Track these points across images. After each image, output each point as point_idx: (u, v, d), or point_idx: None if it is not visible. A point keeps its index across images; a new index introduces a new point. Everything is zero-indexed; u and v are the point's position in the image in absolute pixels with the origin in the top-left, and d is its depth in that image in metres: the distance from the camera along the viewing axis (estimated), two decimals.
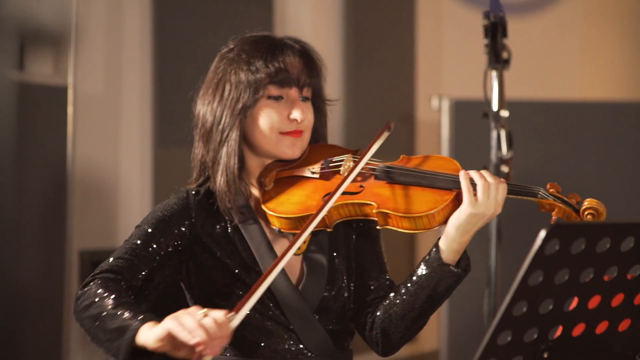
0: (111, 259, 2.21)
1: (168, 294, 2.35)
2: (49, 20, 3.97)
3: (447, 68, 5.45)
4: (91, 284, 2.15)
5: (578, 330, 1.83)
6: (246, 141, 2.31)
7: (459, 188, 2.18)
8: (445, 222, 2.21)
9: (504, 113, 3.16)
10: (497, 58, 3.13)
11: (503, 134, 3.15)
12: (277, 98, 2.28)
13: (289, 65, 2.27)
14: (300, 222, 2.25)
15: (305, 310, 2.26)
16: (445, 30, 5.45)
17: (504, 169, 3.10)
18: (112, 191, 4.25)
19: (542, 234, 1.65)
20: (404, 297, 2.25)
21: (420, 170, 2.26)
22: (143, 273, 2.21)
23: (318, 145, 2.40)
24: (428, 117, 5.12)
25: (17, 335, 3.70)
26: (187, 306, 2.30)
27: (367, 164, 2.29)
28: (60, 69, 3.91)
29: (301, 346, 2.26)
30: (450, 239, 2.19)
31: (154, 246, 2.24)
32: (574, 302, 1.79)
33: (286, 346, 2.25)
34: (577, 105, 4.50)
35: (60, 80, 3.85)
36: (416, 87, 5.28)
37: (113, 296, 2.11)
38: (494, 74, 3.17)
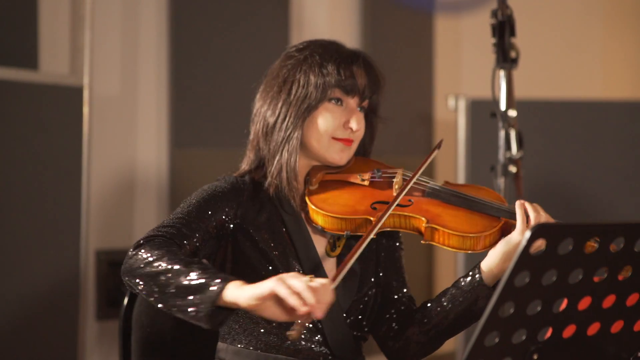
0: (159, 227, 2.20)
1: None
2: (64, 20, 4.00)
3: (466, 68, 5.42)
4: (144, 246, 2.13)
5: (568, 331, 1.81)
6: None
7: (508, 218, 2.27)
8: (488, 247, 2.29)
9: (512, 113, 3.15)
10: (505, 57, 3.11)
11: (513, 133, 3.14)
12: (338, 101, 2.33)
13: (357, 75, 2.33)
14: (346, 224, 2.29)
15: (337, 311, 2.28)
16: (463, 29, 5.42)
17: (512, 169, 3.08)
18: (128, 191, 4.26)
19: (527, 234, 1.63)
20: (439, 312, 2.32)
21: (470, 195, 2.34)
22: (194, 240, 2.22)
23: (362, 158, 2.47)
24: (446, 116, 5.10)
25: (33, 334, 3.72)
26: None
27: (418, 182, 2.36)
28: (75, 69, 3.93)
29: (324, 348, 2.28)
30: (493, 264, 2.25)
31: (203, 219, 2.25)
32: (564, 304, 1.77)
33: (310, 345, 2.27)
34: (598, 105, 4.46)
35: (75, 80, 3.87)
36: (434, 87, 5.25)
37: (176, 255, 2.09)
38: (502, 73, 3.15)
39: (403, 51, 5.14)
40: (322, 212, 2.29)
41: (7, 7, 3.84)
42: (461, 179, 4.24)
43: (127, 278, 2.12)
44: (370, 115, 2.43)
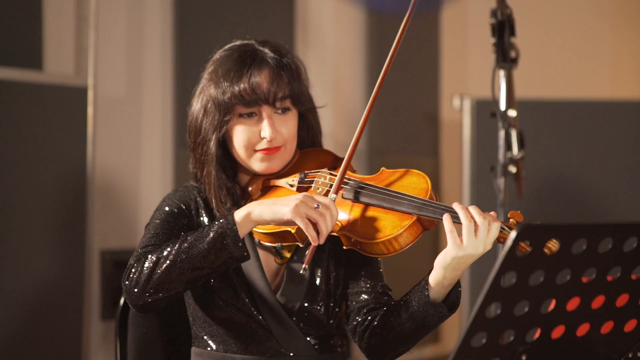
0: (136, 253, 2.20)
1: None
2: (68, 21, 4.01)
3: (472, 68, 5.41)
4: (135, 265, 2.15)
5: (557, 332, 1.80)
6: (232, 154, 2.32)
7: (420, 213, 2.13)
8: (407, 246, 2.16)
9: (512, 112, 3.14)
10: (505, 57, 3.10)
11: (514, 133, 3.13)
12: (250, 115, 2.26)
13: (255, 84, 2.23)
14: (273, 237, 2.23)
15: (282, 315, 2.27)
16: (469, 29, 5.41)
17: (512, 169, 3.07)
18: (132, 191, 4.27)
19: (513, 234, 1.62)
20: (392, 322, 2.24)
21: (386, 191, 2.20)
22: None
23: (310, 150, 2.39)
24: (451, 116, 5.09)
25: (39, 334, 3.73)
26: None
27: (344, 180, 2.24)
28: (80, 70, 3.94)
29: (283, 348, 2.28)
30: (440, 277, 2.13)
31: (172, 234, 2.25)
32: (552, 304, 1.76)
33: (269, 344, 2.27)
34: (606, 105, 4.45)
35: (80, 81, 3.88)
36: (440, 87, 5.24)
37: (168, 245, 2.14)
38: (501, 73, 3.15)
39: (409, 51, 5.13)
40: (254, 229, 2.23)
41: (12, 8, 3.85)
42: (466, 178, 4.24)
43: (147, 297, 2.15)
44: (299, 108, 2.31)
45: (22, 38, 3.88)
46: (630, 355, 1.92)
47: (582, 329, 1.83)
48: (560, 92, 5.28)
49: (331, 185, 2.24)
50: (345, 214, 2.20)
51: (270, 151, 2.26)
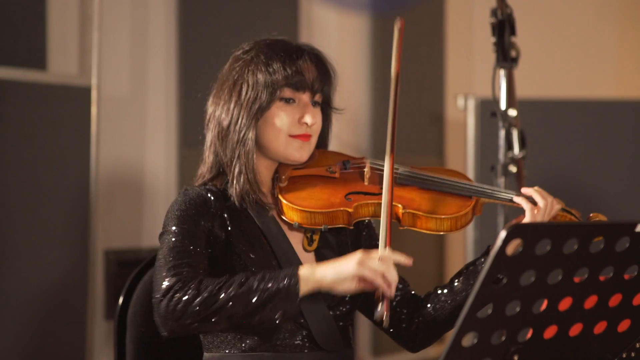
0: (169, 274, 2.17)
1: None
2: (72, 20, 4.02)
3: (477, 67, 5.40)
4: (178, 291, 2.13)
5: (550, 332, 1.80)
6: (256, 141, 2.34)
7: (478, 196, 2.37)
8: (464, 226, 2.36)
9: (512, 112, 3.14)
10: (505, 56, 3.10)
11: (515, 133, 3.13)
12: (289, 101, 2.33)
13: (305, 69, 2.33)
14: (323, 217, 2.31)
15: (319, 304, 2.29)
16: (474, 29, 5.41)
17: (512, 168, 3.07)
18: (137, 190, 4.28)
19: (502, 234, 1.62)
20: (454, 297, 2.37)
21: (440, 177, 2.40)
22: (202, 265, 2.23)
23: (324, 150, 2.47)
24: (456, 116, 5.08)
25: (43, 334, 3.74)
26: None
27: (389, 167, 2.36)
28: (84, 69, 3.95)
29: (308, 342, 2.29)
30: None
31: (195, 244, 2.24)
32: (544, 304, 1.76)
33: (296, 341, 2.28)
34: (612, 104, 4.44)
35: (84, 81, 3.89)
36: (445, 87, 5.24)
37: (223, 282, 2.14)
38: (502, 72, 3.14)
39: (414, 51, 5.13)
40: (298, 207, 2.30)
41: (16, 8, 3.86)
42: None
43: (185, 327, 2.14)
44: (325, 108, 2.42)
45: (25, 38, 3.89)
46: (624, 355, 1.92)
47: (575, 329, 1.83)
48: (564, 92, 5.27)
49: (381, 170, 2.36)
50: (405, 196, 2.36)
51: (305, 137, 2.34)
